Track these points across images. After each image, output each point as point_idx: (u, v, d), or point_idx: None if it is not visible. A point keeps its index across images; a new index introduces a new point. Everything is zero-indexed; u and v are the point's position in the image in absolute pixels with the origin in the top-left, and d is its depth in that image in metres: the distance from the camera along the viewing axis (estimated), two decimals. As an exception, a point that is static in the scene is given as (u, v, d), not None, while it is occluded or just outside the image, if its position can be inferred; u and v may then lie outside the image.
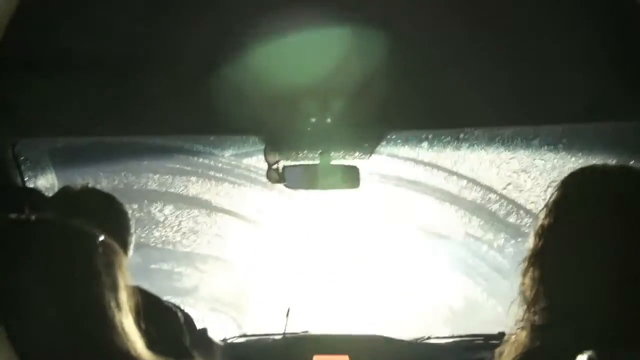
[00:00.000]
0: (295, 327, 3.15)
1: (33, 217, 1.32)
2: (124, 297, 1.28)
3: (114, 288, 1.26)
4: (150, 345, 1.29)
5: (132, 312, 1.30)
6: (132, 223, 2.30)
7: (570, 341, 1.42)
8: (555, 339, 1.48)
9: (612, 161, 2.65)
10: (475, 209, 3.58)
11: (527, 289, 1.57)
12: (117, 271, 1.28)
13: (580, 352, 1.33)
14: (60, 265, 1.23)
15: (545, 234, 1.59)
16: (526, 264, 1.59)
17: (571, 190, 1.60)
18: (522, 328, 1.56)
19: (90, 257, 1.25)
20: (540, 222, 1.60)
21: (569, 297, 1.51)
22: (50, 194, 2.46)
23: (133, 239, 2.28)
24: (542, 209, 1.61)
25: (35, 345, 1.16)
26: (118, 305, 1.25)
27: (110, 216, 2.19)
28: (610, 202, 1.53)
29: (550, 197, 1.61)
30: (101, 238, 1.29)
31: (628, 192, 1.54)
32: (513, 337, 1.57)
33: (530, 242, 1.61)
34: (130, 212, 2.32)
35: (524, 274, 1.58)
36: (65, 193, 2.29)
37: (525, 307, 1.57)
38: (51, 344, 1.17)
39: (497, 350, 1.60)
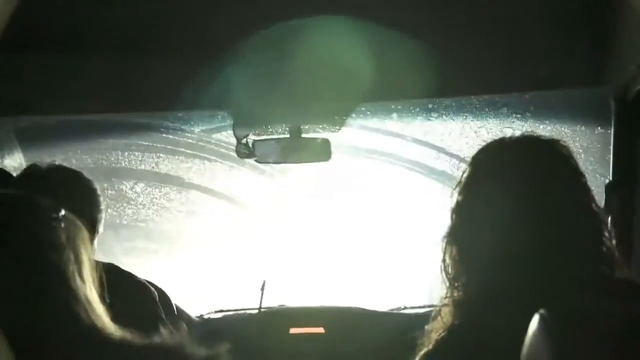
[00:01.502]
0: (271, 301, 3.16)
1: None
2: (87, 271, 1.27)
3: (77, 261, 1.25)
4: (118, 319, 1.29)
5: (97, 286, 1.30)
6: (101, 200, 2.28)
7: (490, 317, 1.46)
8: (476, 315, 1.51)
9: (580, 128, 2.69)
10: (446, 178, 3.60)
11: (448, 266, 1.60)
12: (80, 245, 1.27)
13: (499, 327, 1.36)
14: (21, 238, 1.22)
15: (458, 210, 1.62)
16: (444, 241, 1.62)
17: (478, 166, 1.63)
18: (446, 305, 1.59)
19: (51, 230, 1.24)
20: (454, 199, 1.63)
21: (486, 272, 1.54)
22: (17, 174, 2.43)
23: (103, 216, 2.27)
24: (455, 186, 1.64)
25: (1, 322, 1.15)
26: (82, 278, 1.25)
27: (78, 193, 2.17)
28: (515, 173, 1.56)
29: (462, 174, 1.64)
30: (62, 212, 1.28)
31: (531, 161, 1.58)
32: (438, 314, 1.60)
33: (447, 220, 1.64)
34: (99, 189, 2.30)
35: (444, 252, 1.61)
36: (32, 171, 2.27)
37: (447, 284, 1.60)
38: (14, 318, 1.16)
39: (426, 327, 1.62)
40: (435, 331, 1.56)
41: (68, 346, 1.19)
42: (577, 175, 1.59)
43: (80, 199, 2.15)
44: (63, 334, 1.19)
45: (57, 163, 2.31)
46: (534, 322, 1.08)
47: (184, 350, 1.25)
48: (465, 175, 1.63)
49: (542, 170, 1.56)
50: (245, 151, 2.54)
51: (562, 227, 1.51)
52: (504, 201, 1.53)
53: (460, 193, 1.62)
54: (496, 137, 1.66)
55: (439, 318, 1.58)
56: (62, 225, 1.26)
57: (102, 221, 2.26)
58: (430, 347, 1.54)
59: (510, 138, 1.64)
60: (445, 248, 1.61)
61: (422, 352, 1.56)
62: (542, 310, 1.08)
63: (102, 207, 2.27)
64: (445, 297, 1.59)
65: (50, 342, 1.18)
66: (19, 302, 1.17)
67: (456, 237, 1.60)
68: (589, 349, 1.02)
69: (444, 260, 1.61)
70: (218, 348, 1.28)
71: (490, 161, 1.62)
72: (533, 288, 1.41)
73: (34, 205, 1.29)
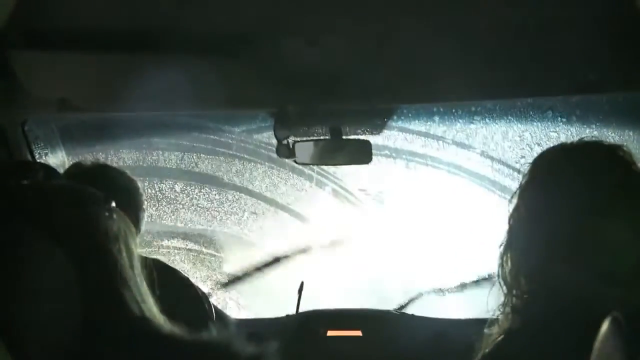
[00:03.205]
0: (308, 303, 3.15)
1: (47, 183, 1.33)
2: (138, 263, 1.29)
3: (129, 253, 1.27)
4: (165, 311, 1.30)
5: (146, 279, 1.31)
6: (144, 199, 2.30)
7: (545, 324, 1.43)
8: (532, 322, 1.49)
9: (627, 133, 2.64)
10: (488, 183, 3.57)
11: (506, 274, 1.58)
12: (130, 238, 1.29)
13: (558, 332, 1.34)
14: (76, 228, 1.23)
15: (517, 216, 1.59)
16: (503, 247, 1.60)
17: (538, 171, 1.60)
18: (504, 311, 1.57)
19: (106, 221, 1.26)
20: (513, 205, 1.60)
21: (545, 279, 1.51)
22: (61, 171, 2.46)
23: (145, 215, 2.29)
24: (515, 191, 1.62)
25: (54, 308, 1.16)
26: (133, 270, 1.27)
27: (121, 191, 2.19)
28: (576, 179, 1.53)
29: (522, 180, 1.62)
30: (114, 204, 1.30)
31: (593, 168, 1.54)
32: (497, 319, 1.58)
33: (506, 226, 1.61)
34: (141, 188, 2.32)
35: (502, 259, 1.59)
36: (76, 168, 2.29)
37: (505, 290, 1.58)
38: (68, 307, 1.17)
39: (486, 331, 1.60)
40: (493, 336, 1.55)
41: (120, 335, 1.20)
42: None
43: (124, 197, 2.17)
44: (115, 322, 1.21)
45: (101, 162, 2.33)
46: (606, 324, 1.07)
47: (231, 347, 1.26)
48: (524, 180, 1.61)
49: (605, 177, 1.53)
50: (286, 152, 2.53)
51: (626, 232, 1.47)
52: (565, 207, 1.51)
53: (519, 198, 1.60)
54: (555, 143, 1.63)
55: (496, 324, 1.57)
56: (114, 217, 1.28)
57: (144, 220, 2.28)
58: (487, 350, 1.52)
59: (571, 143, 1.61)
60: (504, 254, 1.59)
61: (478, 356, 1.55)
62: (614, 313, 1.07)
63: (145, 206, 2.29)
64: (504, 304, 1.57)
65: (102, 330, 1.19)
66: (72, 289, 1.18)
67: (515, 243, 1.58)
68: None
69: (501, 266, 1.59)
70: (264, 347, 1.28)
71: (550, 167, 1.60)
72: (596, 294, 1.38)
73: (89, 196, 1.30)
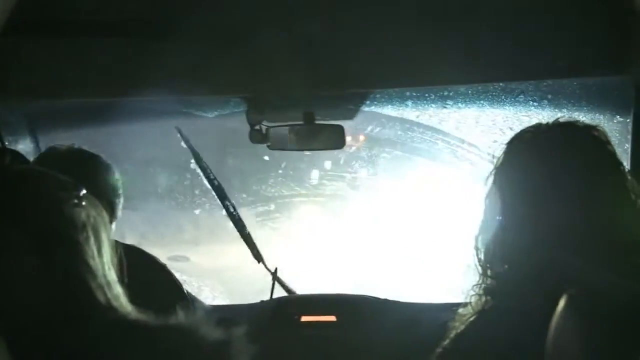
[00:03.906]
0: (282, 289, 3.15)
1: (12, 168, 1.32)
2: (106, 251, 1.28)
3: (97, 241, 1.26)
4: (135, 300, 1.30)
5: (116, 267, 1.30)
6: (120, 184, 2.28)
7: (517, 300, 1.44)
8: (503, 302, 1.50)
9: (597, 117, 2.66)
10: (461, 166, 3.58)
11: (480, 255, 1.59)
12: (100, 225, 1.28)
13: (529, 312, 1.35)
14: (41, 214, 1.22)
15: (493, 198, 1.60)
16: (478, 228, 1.60)
17: (514, 152, 1.61)
18: (478, 291, 1.58)
19: (71, 208, 1.25)
20: (488, 186, 1.61)
21: (516, 258, 1.52)
22: (32, 159, 2.43)
23: (121, 201, 2.27)
24: (490, 173, 1.62)
25: (17, 295, 1.15)
26: (101, 258, 1.26)
27: (97, 175, 2.17)
28: (551, 159, 1.54)
29: (497, 161, 1.62)
30: (83, 191, 1.29)
31: (568, 147, 1.56)
32: (470, 299, 1.59)
33: (481, 208, 1.62)
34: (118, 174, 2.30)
35: (476, 240, 1.60)
36: (51, 152, 2.27)
37: (480, 271, 1.59)
38: (33, 292, 1.16)
39: (459, 311, 1.61)
40: (466, 316, 1.56)
41: (83, 323, 1.19)
42: (614, 162, 1.56)
43: (99, 181, 2.15)
44: (79, 310, 1.20)
45: (76, 146, 2.31)
46: (562, 302, 1.08)
47: (198, 332, 1.25)
48: (500, 161, 1.61)
49: (579, 156, 1.54)
50: (259, 137, 2.53)
51: (597, 214, 1.49)
52: (539, 187, 1.52)
53: (495, 179, 1.60)
54: (532, 123, 1.64)
55: (469, 305, 1.57)
56: (83, 203, 1.26)
57: (120, 205, 2.26)
58: (459, 330, 1.54)
59: (546, 124, 1.62)
60: (478, 235, 1.60)
61: (451, 335, 1.56)
62: (570, 291, 1.07)
63: (121, 191, 2.27)
64: (477, 284, 1.58)
65: (65, 318, 1.18)
66: (35, 277, 1.17)
67: (489, 224, 1.59)
68: (615, 328, 1.01)
69: (476, 248, 1.60)
70: (231, 332, 1.28)
71: (526, 147, 1.60)
72: (563, 273, 1.39)
73: (55, 182, 1.29)
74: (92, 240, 1.25)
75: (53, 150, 2.28)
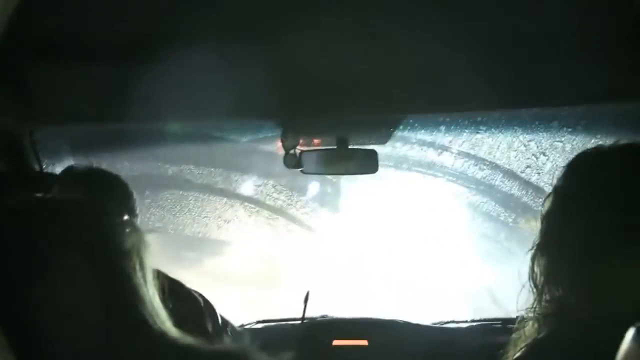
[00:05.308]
0: (314, 311, 3.15)
1: (60, 196, 1.32)
2: (150, 276, 1.29)
3: (142, 267, 1.27)
4: (177, 324, 1.30)
5: (159, 292, 1.31)
6: (137, 205, 2.29)
7: (576, 332, 1.41)
8: (561, 330, 1.46)
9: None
10: (494, 192, 3.57)
11: (536, 277, 1.55)
12: (143, 250, 1.29)
13: (585, 342, 1.32)
14: (91, 243, 1.23)
15: (551, 219, 1.56)
16: (534, 251, 1.57)
17: (574, 174, 1.57)
18: (531, 316, 1.54)
19: (120, 236, 1.26)
20: (546, 207, 1.57)
21: (577, 286, 1.48)
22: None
23: (137, 221, 2.28)
24: (549, 194, 1.58)
25: (70, 326, 1.16)
26: (147, 284, 1.26)
27: (115, 195, 2.19)
28: (614, 182, 1.48)
29: (556, 182, 1.58)
30: (126, 217, 1.30)
31: (631, 169, 1.50)
32: (523, 324, 1.55)
33: (538, 229, 1.58)
34: (142, 198, 2.32)
35: (532, 261, 1.56)
36: (70, 173, 2.29)
37: (535, 294, 1.55)
38: (83, 321, 1.17)
39: (513, 337, 1.58)
40: (519, 342, 1.52)
41: (138, 351, 1.20)
42: None
43: (119, 201, 2.17)
44: (132, 338, 1.21)
45: (94, 166, 2.33)
46: (630, 334, 1.06)
47: (249, 356, 1.26)
48: (559, 183, 1.58)
49: None
50: (293, 162, 2.54)
51: None
52: (602, 211, 1.46)
53: (553, 201, 1.56)
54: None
55: (522, 327, 1.54)
56: (127, 230, 1.27)
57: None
58: (517, 356, 1.49)
59: (608, 146, 1.56)
60: (535, 258, 1.55)
61: None
62: (638, 324, 1.06)
63: (137, 212, 2.28)
64: (531, 308, 1.54)
65: (120, 346, 1.19)
66: (89, 306, 1.18)
67: (547, 247, 1.55)
68: None
69: (532, 270, 1.55)
70: (280, 357, 1.28)
71: (586, 169, 1.55)
72: (628, 306, 1.31)
73: (103, 210, 1.30)
74: (138, 268, 1.25)
75: (72, 170, 2.30)
